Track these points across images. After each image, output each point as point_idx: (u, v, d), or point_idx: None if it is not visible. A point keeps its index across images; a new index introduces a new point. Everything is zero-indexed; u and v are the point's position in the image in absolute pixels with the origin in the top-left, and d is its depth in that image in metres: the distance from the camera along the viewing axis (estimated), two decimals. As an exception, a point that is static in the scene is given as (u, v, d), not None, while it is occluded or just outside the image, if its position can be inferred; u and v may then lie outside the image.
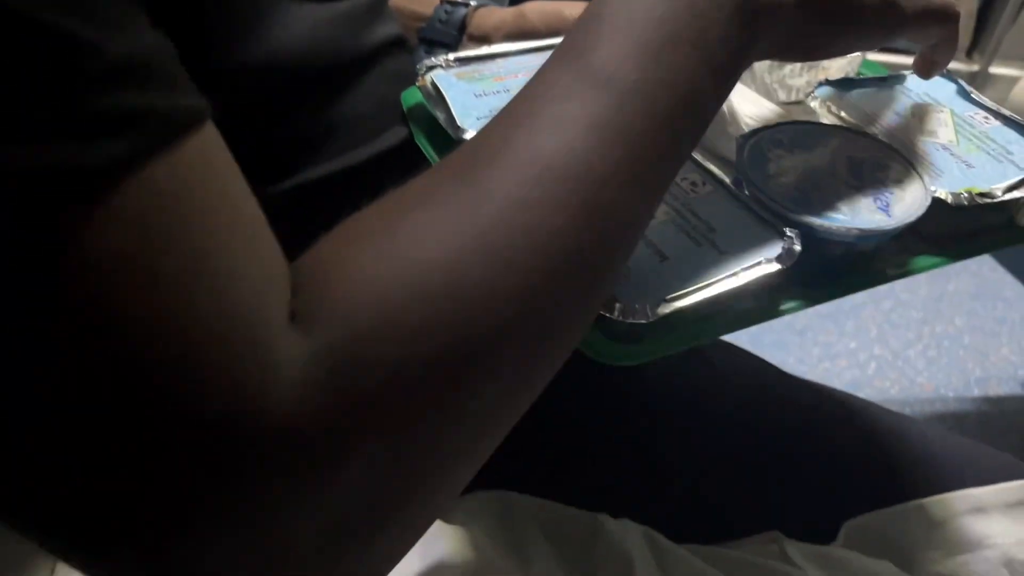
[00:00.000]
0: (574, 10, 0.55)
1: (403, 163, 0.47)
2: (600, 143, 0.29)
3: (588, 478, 0.53)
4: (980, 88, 2.20)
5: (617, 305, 0.35)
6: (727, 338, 0.65)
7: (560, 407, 0.55)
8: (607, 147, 0.29)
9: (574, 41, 0.33)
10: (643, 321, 0.35)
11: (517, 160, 0.28)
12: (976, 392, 1.64)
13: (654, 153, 0.30)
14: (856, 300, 1.82)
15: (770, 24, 0.34)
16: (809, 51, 0.39)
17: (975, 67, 2.18)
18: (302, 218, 0.43)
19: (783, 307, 0.40)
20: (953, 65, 2.20)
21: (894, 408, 0.62)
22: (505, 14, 0.58)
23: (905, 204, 0.42)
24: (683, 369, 0.59)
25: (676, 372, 0.58)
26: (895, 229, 0.40)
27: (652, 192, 0.31)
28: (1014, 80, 1.91)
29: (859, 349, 1.69)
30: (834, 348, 1.68)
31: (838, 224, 0.39)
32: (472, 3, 0.59)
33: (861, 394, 1.61)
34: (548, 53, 0.50)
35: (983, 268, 1.96)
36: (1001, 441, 1.55)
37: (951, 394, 1.62)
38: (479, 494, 0.51)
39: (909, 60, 0.48)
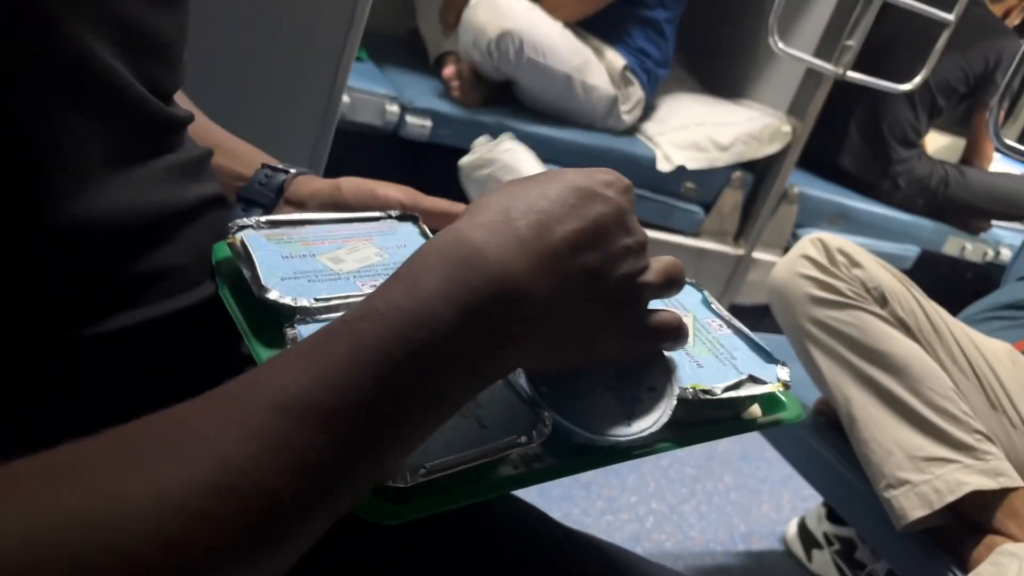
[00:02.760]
0: (386, 189, 0.60)
1: (220, 312, 0.50)
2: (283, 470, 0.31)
3: None
4: (744, 270, 2.47)
5: None
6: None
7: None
8: (289, 474, 0.31)
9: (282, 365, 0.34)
10: (401, 485, 0.37)
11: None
12: (740, 546, 1.77)
13: (345, 479, 0.33)
14: (638, 456, 1.94)
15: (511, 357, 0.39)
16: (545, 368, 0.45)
17: (741, 251, 2.46)
18: (121, 363, 0.45)
19: (541, 475, 0.45)
20: (722, 248, 2.46)
21: (668, 562, 0.67)
22: (322, 184, 0.62)
23: (648, 418, 0.47)
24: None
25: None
26: (627, 441, 0.46)
27: (337, 504, 0.33)
28: (772, 264, 2.17)
29: (639, 503, 1.79)
30: (616, 502, 1.77)
31: (576, 429, 0.45)
32: (292, 171, 0.63)
33: (639, 548, 1.70)
34: (355, 224, 0.56)
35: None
36: (762, 593, 1.67)
37: (719, 548, 1.74)
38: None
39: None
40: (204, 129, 0.64)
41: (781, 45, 2.10)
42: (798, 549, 1.75)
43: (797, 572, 1.73)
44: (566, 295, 0.40)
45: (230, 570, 0.30)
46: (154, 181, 0.47)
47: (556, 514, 0.67)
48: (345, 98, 1.98)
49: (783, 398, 0.56)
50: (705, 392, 0.50)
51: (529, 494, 1.70)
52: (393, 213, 0.58)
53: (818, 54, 2.31)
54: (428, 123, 2.06)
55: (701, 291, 0.63)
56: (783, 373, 0.55)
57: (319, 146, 1.35)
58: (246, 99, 1.24)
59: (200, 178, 0.53)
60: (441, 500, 0.41)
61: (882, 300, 1.16)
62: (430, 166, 2.52)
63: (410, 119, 2.04)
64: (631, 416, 0.47)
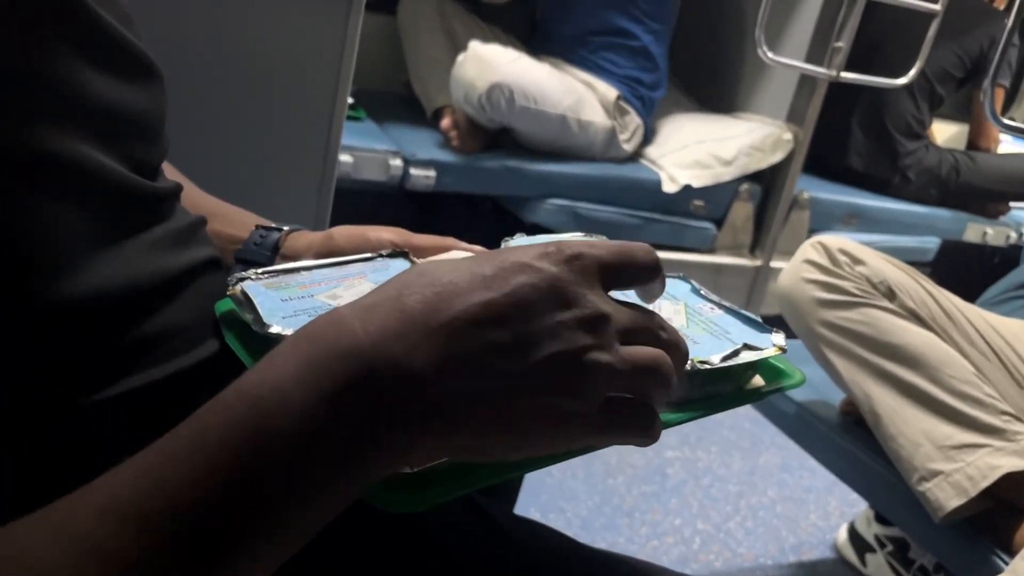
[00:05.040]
0: (377, 232, 0.63)
1: (221, 370, 0.52)
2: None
3: None
4: (763, 280, 2.46)
5: None
6: (533, 515, 0.70)
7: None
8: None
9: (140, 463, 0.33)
10: (407, 470, 0.39)
11: None
12: (791, 558, 1.74)
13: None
14: (677, 478, 1.92)
15: (390, 459, 0.35)
16: (467, 457, 0.39)
17: (758, 262, 2.46)
18: (129, 425, 0.47)
19: (540, 461, 0.44)
20: (739, 261, 2.46)
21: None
22: (314, 236, 0.65)
23: None
24: (475, 539, 0.63)
25: (470, 544, 0.62)
26: None
27: None
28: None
29: (683, 525, 1.78)
30: (660, 526, 1.76)
31: None
32: (285, 228, 0.65)
33: (688, 569, 1.69)
34: (349, 266, 0.58)
35: (789, 441, 2.13)
36: (817, 603, 1.65)
37: (769, 562, 1.72)
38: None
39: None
40: (195, 199, 0.67)
41: (771, 55, 2.12)
42: (851, 555, 1.73)
43: (852, 578, 1.71)
44: (463, 377, 0.34)
45: None
46: (146, 252, 0.50)
47: (600, 544, 0.67)
48: (348, 157, 2.03)
49: (782, 366, 0.57)
50: (703, 362, 0.51)
51: (571, 526, 1.70)
52: (384, 252, 0.60)
53: (809, 59, 2.32)
54: (432, 173, 2.09)
55: (688, 282, 0.64)
56: (778, 339, 0.56)
57: (321, 206, 1.38)
58: (243, 168, 1.28)
59: (193, 244, 0.55)
60: (452, 487, 0.41)
61: (890, 294, 1.16)
62: (438, 214, 2.56)
63: (414, 171, 2.08)
64: None
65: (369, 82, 2.41)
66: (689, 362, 0.51)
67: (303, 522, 0.33)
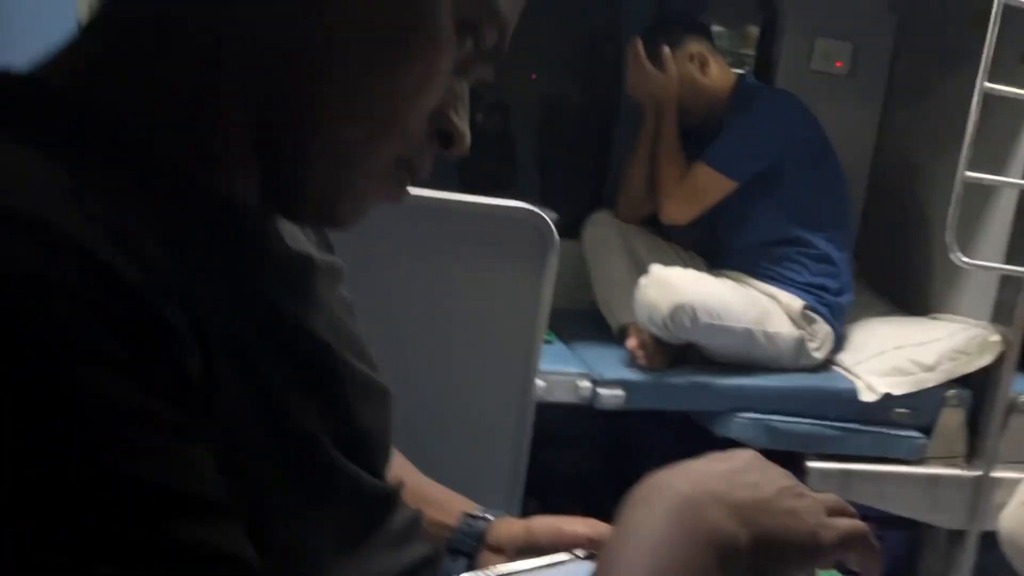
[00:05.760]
0: (572, 526, 0.67)
1: None
2: None
3: None
4: (986, 493, 2.25)
5: None
6: None
7: None
8: None
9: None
10: None
11: None
12: None
13: None
14: None
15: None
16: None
17: (977, 473, 2.27)
18: None
19: None
20: (954, 472, 2.28)
21: None
22: (516, 528, 0.70)
23: None
24: None
25: None
26: None
27: None
28: (1017, 482, 1.98)
29: None
30: None
31: None
32: (490, 517, 0.71)
33: None
34: (545, 570, 0.62)
35: None
36: None
37: None
38: None
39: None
40: (411, 485, 0.74)
41: (964, 258, 2.06)
42: None
43: None
44: (750, 500, 0.50)
45: None
46: (376, 552, 0.55)
47: None
48: (540, 381, 2.11)
49: None
50: None
51: None
52: (580, 553, 0.64)
53: (1009, 257, 2.23)
54: (620, 393, 2.13)
55: None
56: None
57: (519, 436, 1.44)
58: (442, 410, 1.37)
59: (412, 540, 0.61)
60: None
61: None
62: (630, 431, 2.57)
63: (602, 391, 2.13)
64: None
65: (558, 302, 2.53)
66: None
67: None
